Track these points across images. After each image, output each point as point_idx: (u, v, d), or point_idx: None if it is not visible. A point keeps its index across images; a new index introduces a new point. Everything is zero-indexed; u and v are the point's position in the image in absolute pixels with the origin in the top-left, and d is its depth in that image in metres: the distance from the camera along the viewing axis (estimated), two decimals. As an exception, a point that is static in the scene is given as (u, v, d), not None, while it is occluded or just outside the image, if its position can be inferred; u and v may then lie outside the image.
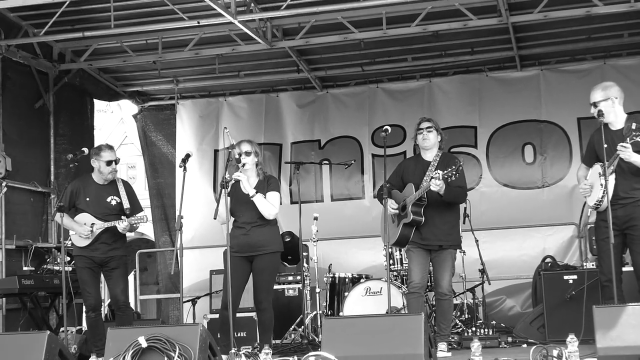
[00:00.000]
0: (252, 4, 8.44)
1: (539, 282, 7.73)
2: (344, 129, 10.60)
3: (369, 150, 10.43)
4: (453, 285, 6.70)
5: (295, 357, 5.91)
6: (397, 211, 6.51)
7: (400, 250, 8.13)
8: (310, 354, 5.21)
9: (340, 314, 8.04)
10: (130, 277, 10.32)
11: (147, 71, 10.50)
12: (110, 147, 7.13)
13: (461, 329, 7.78)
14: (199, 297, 9.27)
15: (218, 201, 6.16)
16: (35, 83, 9.65)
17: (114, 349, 5.18)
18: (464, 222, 8.17)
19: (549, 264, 7.90)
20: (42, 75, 9.76)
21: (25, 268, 8.85)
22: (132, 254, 10.34)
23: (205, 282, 9.38)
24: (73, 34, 8.97)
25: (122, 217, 6.88)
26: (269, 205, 6.37)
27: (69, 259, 7.72)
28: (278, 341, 7.92)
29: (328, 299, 8.44)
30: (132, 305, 7.81)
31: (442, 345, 6.30)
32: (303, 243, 8.29)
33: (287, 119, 10.82)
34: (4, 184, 8.75)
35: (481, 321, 8.08)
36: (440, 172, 6.18)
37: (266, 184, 6.46)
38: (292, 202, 10.32)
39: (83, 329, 8.30)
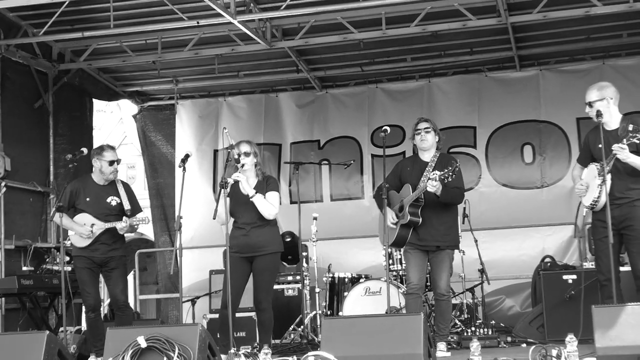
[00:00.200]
0: (252, 4, 8.45)
1: (539, 282, 7.74)
2: (343, 129, 10.61)
3: (368, 150, 10.43)
4: (452, 285, 6.70)
5: (295, 357, 5.91)
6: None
7: (399, 250, 8.12)
8: (310, 353, 5.21)
9: (340, 313, 8.05)
10: (130, 277, 10.32)
11: (147, 71, 10.50)
12: (112, 148, 7.14)
13: (460, 328, 7.77)
14: (198, 297, 9.27)
15: (217, 201, 6.15)
16: (35, 83, 9.66)
17: (113, 349, 5.17)
18: (463, 222, 8.18)
19: (548, 264, 7.91)
20: (42, 75, 9.77)
21: (24, 268, 8.86)
22: (131, 253, 10.34)
23: (204, 282, 9.39)
24: (72, 34, 8.98)
25: (124, 217, 6.87)
26: (268, 205, 6.36)
27: (68, 259, 7.72)
28: (277, 341, 7.92)
29: (327, 299, 8.44)
30: (131, 305, 7.80)
31: (441, 345, 6.29)
32: (302, 243, 8.29)
33: (287, 119, 10.82)
34: (3, 183, 8.75)
35: (480, 321, 8.08)
36: (437, 173, 6.17)
37: (265, 184, 6.46)
38: (291, 202, 10.33)
39: (82, 329, 8.30)
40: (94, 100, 10.81)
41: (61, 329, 7.58)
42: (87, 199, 6.94)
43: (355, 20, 8.96)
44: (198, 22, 8.66)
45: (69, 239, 7.04)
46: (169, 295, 10.77)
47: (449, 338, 6.77)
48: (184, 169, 6.24)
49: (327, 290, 8.46)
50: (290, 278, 8.96)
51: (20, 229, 9.11)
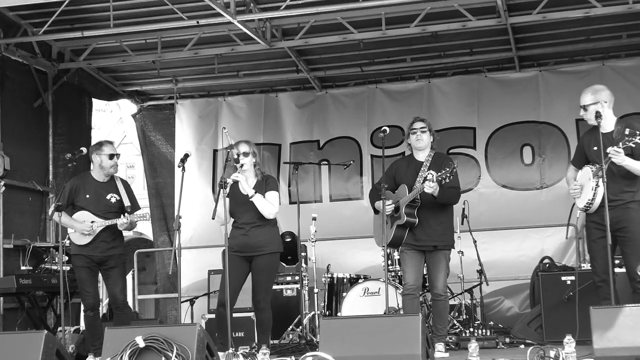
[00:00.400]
0: (252, 4, 8.45)
1: (537, 283, 7.74)
2: (343, 130, 10.60)
3: (367, 151, 10.43)
4: (451, 286, 6.70)
5: (293, 357, 5.90)
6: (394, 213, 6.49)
7: (397, 251, 8.12)
8: (308, 354, 5.22)
9: (339, 314, 8.04)
10: (129, 277, 10.32)
11: (146, 71, 10.50)
12: (111, 142, 7.16)
13: (459, 329, 7.77)
14: (197, 297, 9.27)
15: (216, 201, 6.15)
16: (34, 82, 9.66)
17: (112, 349, 5.16)
18: (462, 223, 8.18)
19: (547, 265, 7.90)
20: (41, 75, 9.76)
21: (23, 267, 8.85)
22: (130, 253, 10.32)
23: (203, 282, 9.38)
24: (72, 33, 8.97)
25: (125, 214, 6.86)
26: (268, 204, 6.36)
27: (67, 258, 7.71)
28: (276, 341, 7.92)
29: (326, 299, 8.44)
30: (130, 304, 7.80)
31: (439, 346, 6.29)
32: (301, 243, 8.29)
33: (286, 119, 10.82)
34: (2, 183, 8.75)
35: (479, 322, 8.07)
36: (434, 173, 6.16)
37: (265, 184, 6.46)
38: (290, 203, 10.33)
39: (80, 328, 8.30)
40: (93, 99, 10.82)
41: (59, 328, 7.57)
42: (87, 196, 6.91)
43: (355, 21, 8.97)
44: (198, 22, 8.66)
45: (68, 238, 7.03)
46: (167, 295, 10.76)
47: (447, 339, 6.76)
48: (183, 169, 6.23)
49: (326, 290, 8.46)
50: (289, 278, 8.96)
51: (19, 229, 9.11)
